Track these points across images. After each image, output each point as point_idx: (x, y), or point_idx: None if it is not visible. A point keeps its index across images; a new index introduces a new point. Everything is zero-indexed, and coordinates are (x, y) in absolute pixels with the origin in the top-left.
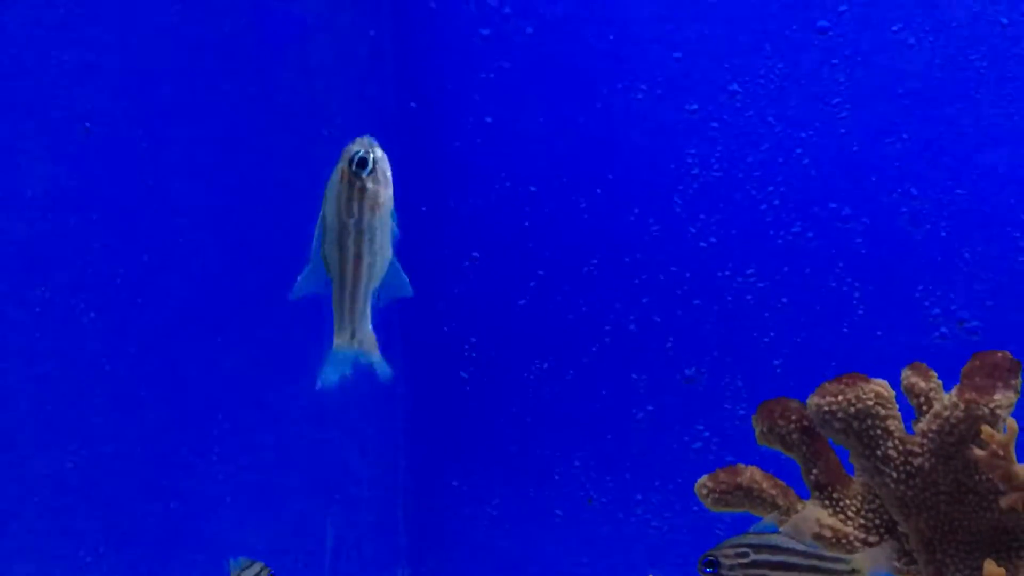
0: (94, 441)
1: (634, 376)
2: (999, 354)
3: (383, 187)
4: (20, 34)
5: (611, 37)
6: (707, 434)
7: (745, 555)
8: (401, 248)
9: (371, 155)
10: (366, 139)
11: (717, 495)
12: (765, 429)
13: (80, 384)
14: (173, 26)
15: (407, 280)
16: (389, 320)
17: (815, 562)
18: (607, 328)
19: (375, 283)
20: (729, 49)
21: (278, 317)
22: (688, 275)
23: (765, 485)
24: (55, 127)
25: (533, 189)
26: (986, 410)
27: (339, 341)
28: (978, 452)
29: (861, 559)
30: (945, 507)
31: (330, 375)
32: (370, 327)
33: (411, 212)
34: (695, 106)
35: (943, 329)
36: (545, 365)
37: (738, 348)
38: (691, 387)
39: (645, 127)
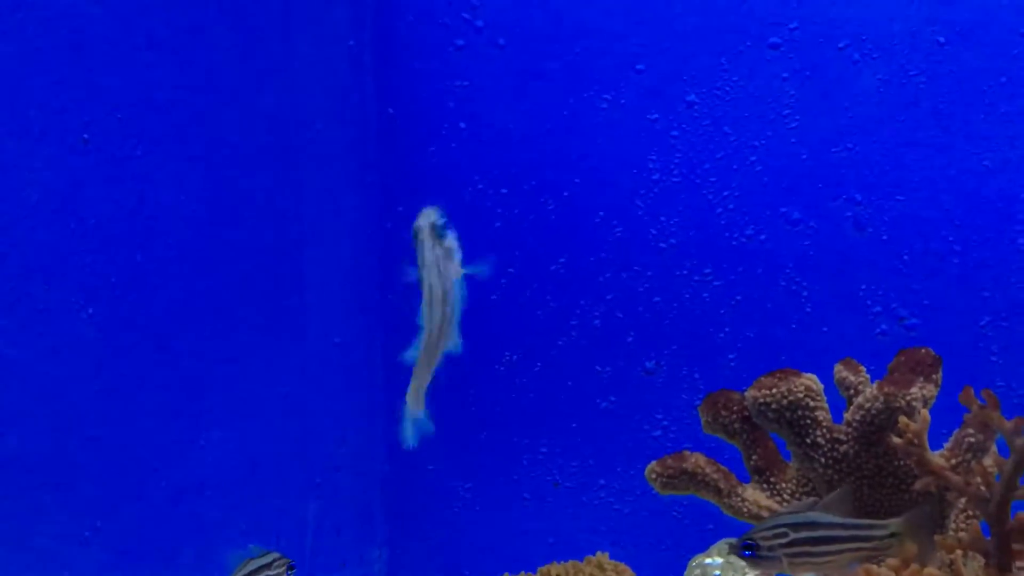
0: (94, 423)
1: (598, 368)
2: (922, 351)
3: (457, 250)
4: (24, 51)
5: (577, 50)
6: (666, 423)
7: (784, 535)
8: (388, 247)
9: (445, 220)
10: (435, 209)
11: (665, 479)
12: (710, 419)
13: (78, 371)
14: (162, 41)
15: (459, 339)
16: (372, 319)
17: (855, 532)
18: (573, 323)
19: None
20: (687, 63)
21: (262, 313)
22: (649, 274)
23: (708, 470)
24: (57, 139)
25: (504, 191)
26: (903, 402)
27: (415, 401)
28: (895, 440)
29: (899, 523)
30: (868, 489)
31: (410, 438)
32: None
33: (389, 213)
34: (655, 115)
35: (884, 326)
36: (514, 357)
37: (695, 343)
38: (651, 379)
39: (609, 135)
